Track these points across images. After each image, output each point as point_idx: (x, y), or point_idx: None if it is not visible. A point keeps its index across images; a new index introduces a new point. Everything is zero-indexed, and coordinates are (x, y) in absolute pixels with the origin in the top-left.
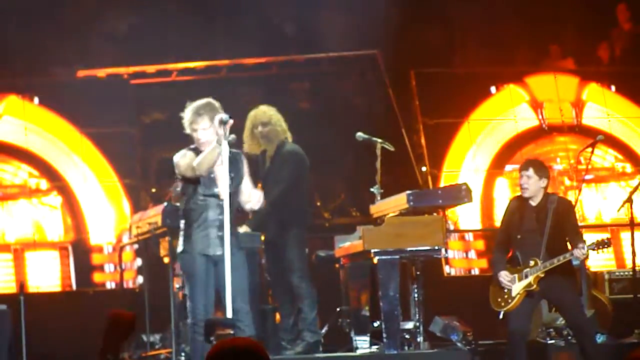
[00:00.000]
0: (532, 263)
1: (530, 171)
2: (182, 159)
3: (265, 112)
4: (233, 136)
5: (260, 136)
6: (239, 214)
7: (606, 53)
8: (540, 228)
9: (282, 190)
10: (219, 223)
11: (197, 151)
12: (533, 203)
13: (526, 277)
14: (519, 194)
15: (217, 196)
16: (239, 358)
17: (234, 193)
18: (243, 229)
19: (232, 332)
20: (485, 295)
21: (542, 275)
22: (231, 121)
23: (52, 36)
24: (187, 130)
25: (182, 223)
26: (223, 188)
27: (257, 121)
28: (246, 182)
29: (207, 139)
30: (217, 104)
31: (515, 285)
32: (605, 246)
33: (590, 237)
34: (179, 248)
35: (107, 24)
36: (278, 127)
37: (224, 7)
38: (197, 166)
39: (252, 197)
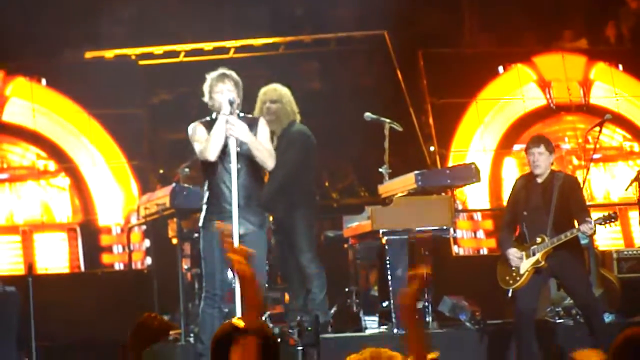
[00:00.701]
0: (539, 240)
1: (542, 147)
2: (194, 136)
3: (276, 89)
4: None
5: (268, 113)
6: (258, 191)
7: (613, 32)
8: (547, 205)
9: (288, 173)
10: (236, 201)
11: (207, 125)
12: (539, 180)
13: (534, 254)
14: (525, 172)
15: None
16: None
17: (249, 167)
18: None
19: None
20: (493, 275)
21: (550, 251)
22: (238, 100)
23: (59, 18)
24: (206, 98)
25: (205, 196)
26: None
27: (267, 98)
28: (260, 141)
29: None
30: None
31: (523, 262)
32: (612, 220)
33: (597, 216)
34: (200, 222)
35: (115, 5)
36: (288, 106)
37: None
38: (202, 154)
39: (261, 157)
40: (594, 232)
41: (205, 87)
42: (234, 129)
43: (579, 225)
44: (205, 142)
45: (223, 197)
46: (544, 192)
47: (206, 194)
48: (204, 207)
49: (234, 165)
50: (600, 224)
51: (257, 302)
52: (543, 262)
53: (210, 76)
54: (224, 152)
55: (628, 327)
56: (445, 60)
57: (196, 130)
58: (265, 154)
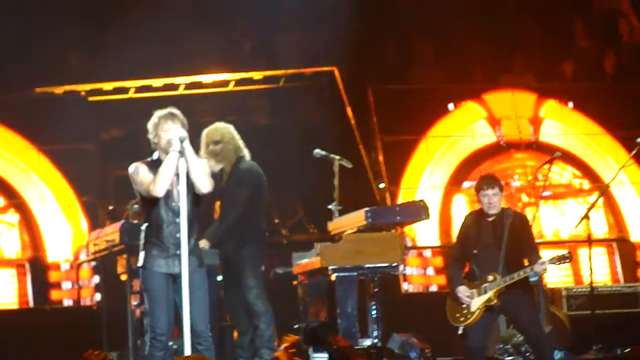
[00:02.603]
0: (490, 278)
1: (497, 189)
2: (136, 176)
3: (217, 129)
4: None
5: (213, 155)
6: (199, 230)
7: (569, 69)
8: (498, 243)
9: (239, 210)
10: (177, 240)
11: (149, 165)
12: (489, 218)
13: (485, 292)
14: (474, 209)
15: (176, 212)
16: None
17: (192, 206)
18: (202, 244)
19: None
20: (443, 312)
21: (502, 289)
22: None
23: (9, 53)
24: (151, 135)
25: (142, 237)
26: (182, 204)
27: (209, 140)
28: (192, 168)
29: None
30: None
31: (475, 300)
32: (567, 260)
33: (548, 253)
34: (139, 263)
35: (66, 42)
36: (230, 145)
37: (183, 24)
38: (148, 190)
39: (197, 181)
40: (545, 271)
41: (151, 125)
42: (188, 150)
43: (528, 263)
44: (154, 179)
45: (165, 236)
46: (495, 229)
47: (146, 233)
48: (144, 245)
49: (183, 202)
50: (553, 263)
51: None
52: (495, 300)
53: (158, 114)
54: (168, 192)
55: None
56: (395, 97)
57: (138, 169)
58: (205, 176)
